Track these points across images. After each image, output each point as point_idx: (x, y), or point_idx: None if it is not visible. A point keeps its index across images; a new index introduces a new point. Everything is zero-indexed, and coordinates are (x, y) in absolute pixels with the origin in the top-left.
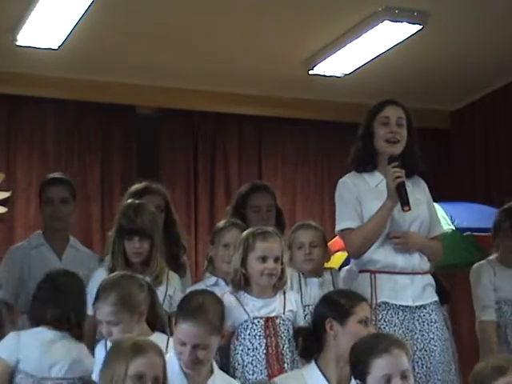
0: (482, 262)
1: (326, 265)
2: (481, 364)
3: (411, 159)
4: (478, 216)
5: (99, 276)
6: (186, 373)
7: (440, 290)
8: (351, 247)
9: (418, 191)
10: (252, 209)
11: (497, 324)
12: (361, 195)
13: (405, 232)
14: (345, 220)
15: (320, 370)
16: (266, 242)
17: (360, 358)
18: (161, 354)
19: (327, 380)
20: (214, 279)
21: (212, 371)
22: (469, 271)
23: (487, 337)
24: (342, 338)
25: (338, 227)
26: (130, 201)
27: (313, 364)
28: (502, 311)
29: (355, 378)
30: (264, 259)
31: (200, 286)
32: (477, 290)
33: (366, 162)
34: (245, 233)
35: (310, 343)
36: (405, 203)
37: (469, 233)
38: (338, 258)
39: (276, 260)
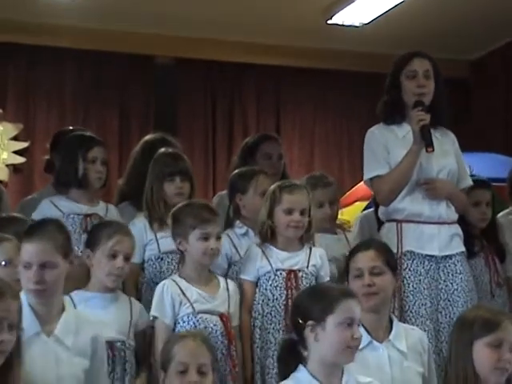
0: (501, 216)
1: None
2: (470, 313)
3: (439, 110)
4: (497, 166)
5: (139, 224)
6: (35, 310)
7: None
8: (380, 194)
9: (446, 142)
10: (263, 157)
11: None
12: (388, 144)
13: (433, 178)
14: (373, 169)
15: (311, 374)
16: (293, 195)
17: None
18: (17, 297)
19: (319, 382)
20: (244, 229)
21: (64, 309)
22: None
23: None
24: (323, 340)
25: (366, 176)
26: (163, 149)
27: (302, 369)
28: None
29: None
30: (290, 211)
31: (229, 233)
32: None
33: (395, 114)
34: (272, 186)
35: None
36: (428, 144)
37: None
38: (356, 208)
39: (302, 212)
